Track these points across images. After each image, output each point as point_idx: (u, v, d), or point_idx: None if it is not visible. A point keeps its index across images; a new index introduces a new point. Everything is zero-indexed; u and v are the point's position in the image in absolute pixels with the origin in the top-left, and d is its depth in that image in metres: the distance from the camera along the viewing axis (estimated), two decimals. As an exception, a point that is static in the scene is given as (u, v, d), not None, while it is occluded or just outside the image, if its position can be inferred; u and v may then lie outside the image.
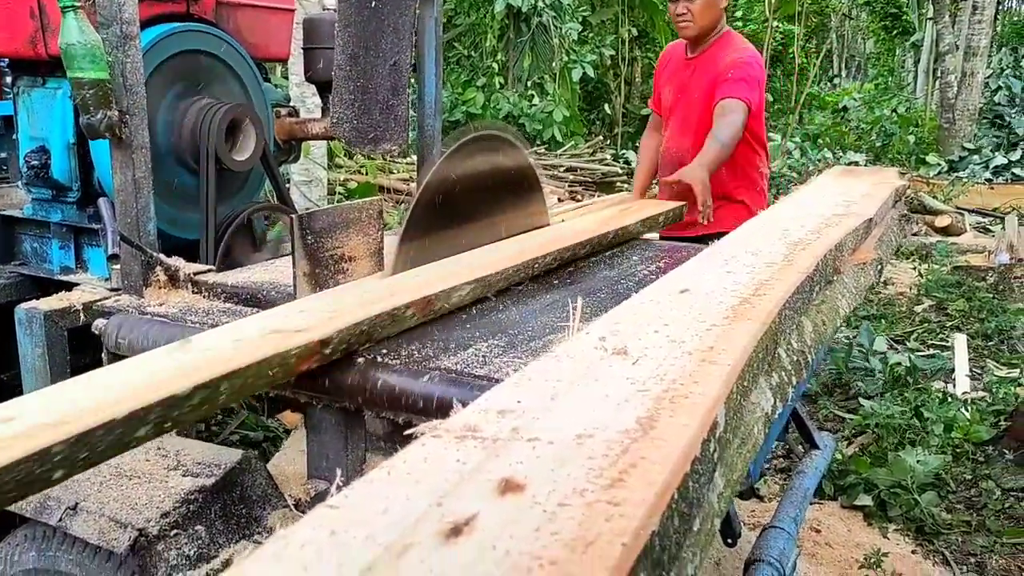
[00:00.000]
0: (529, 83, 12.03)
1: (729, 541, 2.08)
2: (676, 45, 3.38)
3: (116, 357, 1.86)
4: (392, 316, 1.59)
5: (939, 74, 15.02)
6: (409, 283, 1.77)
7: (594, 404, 1.00)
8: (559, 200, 8.33)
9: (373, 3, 1.74)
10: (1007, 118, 13.75)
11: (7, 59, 2.42)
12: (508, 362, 1.53)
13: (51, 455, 0.98)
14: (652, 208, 2.91)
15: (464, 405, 1.02)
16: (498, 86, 12.01)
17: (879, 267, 2.28)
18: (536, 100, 11.70)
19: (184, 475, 1.63)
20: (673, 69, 3.32)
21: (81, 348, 2.13)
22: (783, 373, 1.44)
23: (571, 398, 1.02)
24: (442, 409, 1.37)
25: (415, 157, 3.27)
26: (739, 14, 17.87)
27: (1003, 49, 16.16)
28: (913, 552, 3.01)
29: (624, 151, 12.58)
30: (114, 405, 1.11)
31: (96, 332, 1.83)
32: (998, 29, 18.26)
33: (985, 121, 14.09)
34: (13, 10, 2.20)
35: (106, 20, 1.84)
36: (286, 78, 7.27)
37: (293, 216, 1.66)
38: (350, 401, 1.55)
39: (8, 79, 2.52)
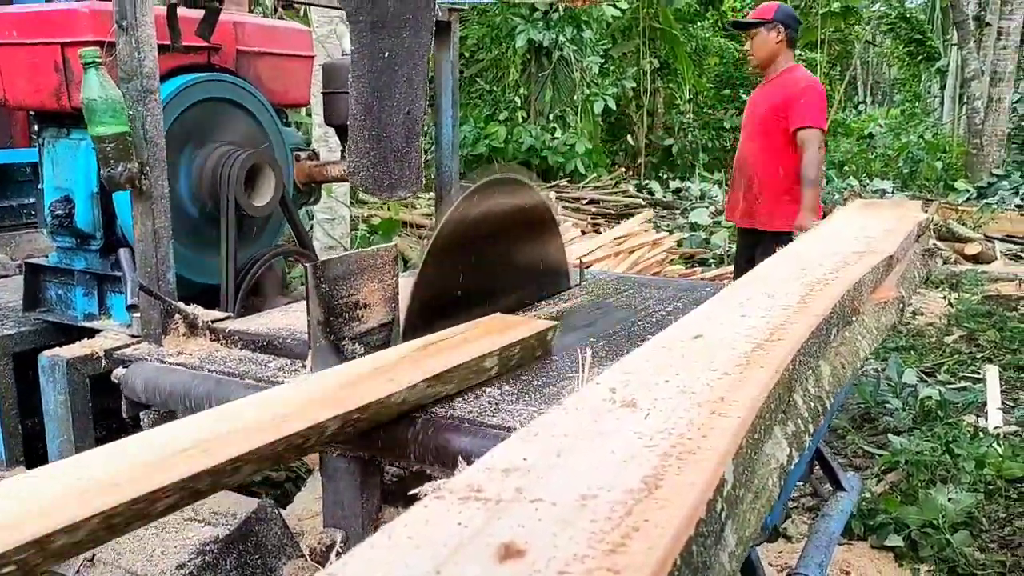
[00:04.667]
0: (551, 116, 12.11)
1: (752, 588, 2.03)
2: None
3: (135, 405, 1.88)
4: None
5: (965, 100, 14.90)
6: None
7: (600, 461, 0.99)
8: (582, 233, 8.33)
9: (386, 54, 1.77)
10: (1036, 143, 13.59)
11: (33, 110, 2.48)
12: (521, 409, 1.53)
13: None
14: None
15: (471, 460, 1.02)
16: (520, 120, 12.10)
17: (901, 306, 2.25)
18: (558, 133, 11.76)
19: (200, 525, 1.63)
20: (753, 93, 4.24)
21: (104, 394, 2.14)
22: (799, 421, 1.41)
23: (577, 454, 1.01)
24: (452, 458, 1.36)
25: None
26: (761, 43, 17.85)
27: (1030, 74, 15.99)
28: (946, 594, 2.94)
29: (647, 182, 12.57)
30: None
31: (115, 381, 1.85)
32: (1025, 53, 18.08)
33: (1014, 146, 13.93)
34: (38, 64, 2.27)
35: (127, 75, 1.89)
36: (309, 116, 7.38)
37: (307, 265, 1.67)
38: (365, 452, 1.55)
39: (35, 128, 2.59)
